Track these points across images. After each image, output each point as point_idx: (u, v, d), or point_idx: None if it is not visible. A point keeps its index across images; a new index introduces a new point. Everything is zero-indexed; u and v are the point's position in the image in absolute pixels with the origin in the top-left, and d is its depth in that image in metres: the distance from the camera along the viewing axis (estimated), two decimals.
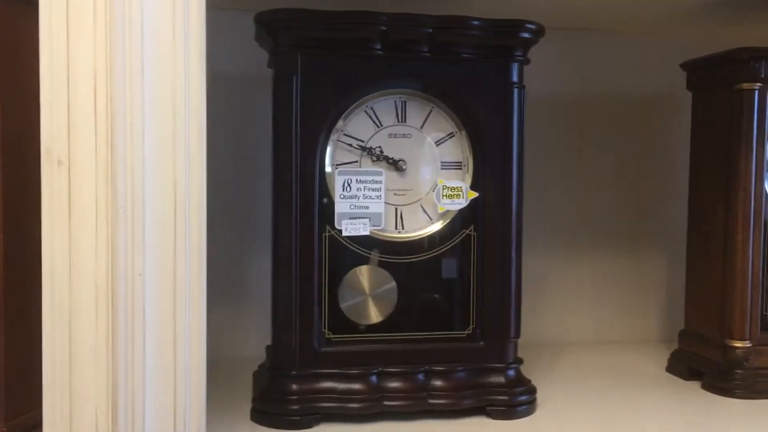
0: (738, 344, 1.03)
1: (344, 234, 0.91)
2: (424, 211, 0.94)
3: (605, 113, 1.32)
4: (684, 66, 1.14)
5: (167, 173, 0.65)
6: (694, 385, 1.08)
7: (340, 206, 0.90)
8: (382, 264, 0.93)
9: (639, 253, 1.34)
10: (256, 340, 1.09)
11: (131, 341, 0.65)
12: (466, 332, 0.95)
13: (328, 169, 0.91)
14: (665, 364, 1.16)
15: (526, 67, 0.95)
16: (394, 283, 0.93)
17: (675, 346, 1.16)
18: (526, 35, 0.92)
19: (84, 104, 0.67)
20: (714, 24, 1.22)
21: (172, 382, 0.67)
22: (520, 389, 0.94)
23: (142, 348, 0.66)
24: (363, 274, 0.93)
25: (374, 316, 0.93)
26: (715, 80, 1.08)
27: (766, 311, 1.05)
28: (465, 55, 0.91)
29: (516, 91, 0.93)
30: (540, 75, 1.04)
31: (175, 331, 0.66)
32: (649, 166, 1.34)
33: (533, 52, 0.95)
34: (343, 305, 0.92)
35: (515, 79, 0.93)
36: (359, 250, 0.92)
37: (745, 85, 1.02)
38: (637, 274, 1.34)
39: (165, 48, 0.66)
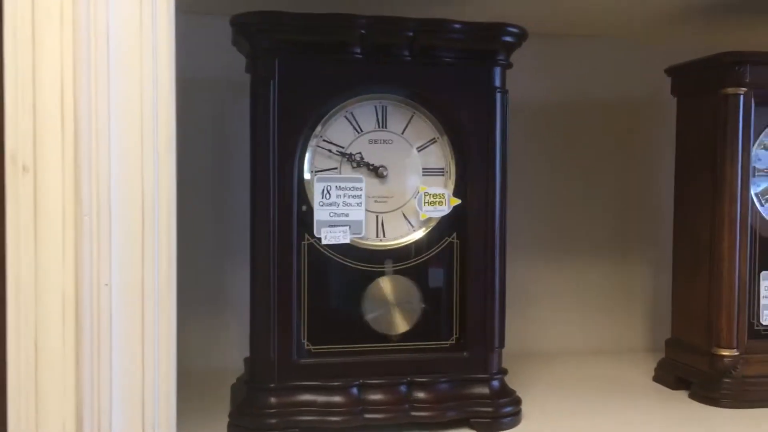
0: (725, 353, 1.02)
1: (324, 242, 0.89)
2: (406, 218, 0.93)
3: (589, 120, 1.31)
4: (669, 71, 1.13)
5: (134, 179, 0.63)
6: (682, 395, 1.07)
7: (320, 214, 0.89)
8: (362, 273, 0.92)
9: (625, 261, 1.34)
10: (235, 352, 1.07)
11: (97, 353, 0.63)
12: (449, 342, 0.94)
13: (307, 175, 0.89)
14: (652, 373, 1.15)
15: (509, 73, 0.94)
16: (417, 290, 0.93)
17: (662, 355, 1.15)
18: (508, 39, 0.91)
19: (49, 109, 0.65)
20: (698, 29, 1.22)
21: (140, 395, 0.65)
22: (504, 400, 0.92)
23: (108, 360, 0.64)
24: (385, 284, 0.92)
25: (401, 325, 0.92)
26: (700, 85, 1.07)
27: (753, 319, 1.04)
28: (446, 59, 0.90)
29: (499, 95, 0.92)
30: (523, 81, 1.03)
31: (143, 342, 0.64)
32: (634, 173, 1.33)
33: (516, 58, 0.94)
34: (369, 317, 0.91)
35: (498, 83, 0.92)
36: (339, 258, 0.91)
37: (730, 90, 1.01)
38: (623, 282, 1.34)
39: (132, 51, 0.64)
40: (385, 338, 0.92)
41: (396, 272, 0.92)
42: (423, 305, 0.93)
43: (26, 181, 0.66)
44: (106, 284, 0.63)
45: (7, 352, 0.67)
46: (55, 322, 0.66)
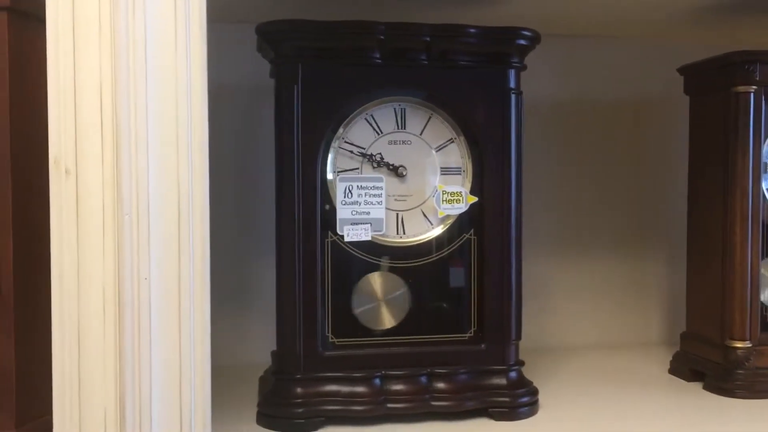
0: (738, 345, 1.04)
1: (346, 239, 0.92)
2: (425, 216, 0.96)
3: (603, 118, 1.33)
4: (681, 70, 1.15)
5: (171, 181, 0.67)
6: (696, 386, 1.08)
7: (342, 212, 0.91)
8: (384, 268, 0.95)
9: (640, 256, 1.35)
10: (261, 347, 1.09)
11: (137, 344, 0.67)
12: (467, 335, 0.96)
13: (329, 176, 0.92)
14: (667, 366, 1.17)
15: (523, 73, 0.96)
16: (405, 289, 0.95)
17: (678, 348, 1.16)
18: (522, 42, 0.93)
19: (90, 115, 0.69)
20: (710, 28, 1.23)
21: (178, 383, 0.69)
22: (521, 391, 0.95)
23: (148, 350, 0.67)
24: (375, 280, 0.94)
25: (387, 321, 0.95)
26: (712, 84, 1.09)
27: (766, 312, 1.06)
28: (462, 63, 0.93)
29: (513, 96, 0.94)
30: (538, 81, 1.05)
31: (180, 332, 0.68)
32: (647, 170, 1.35)
33: (531, 58, 0.97)
34: (357, 311, 0.94)
35: (512, 85, 0.94)
36: (361, 255, 0.94)
37: (741, 88, 1.03)
38: (639, 276, 1.35)
39: (167, 60, 0.67)
40: (405, 331, 0.95)
41: (416, 268, 0.95)
42: (409, 301, 0.95)
43: (68, 184, 0.69)
44: (146, 278, 0.66)
45: (52, 344, 0.70)
46: (96, 316, 0.69)
